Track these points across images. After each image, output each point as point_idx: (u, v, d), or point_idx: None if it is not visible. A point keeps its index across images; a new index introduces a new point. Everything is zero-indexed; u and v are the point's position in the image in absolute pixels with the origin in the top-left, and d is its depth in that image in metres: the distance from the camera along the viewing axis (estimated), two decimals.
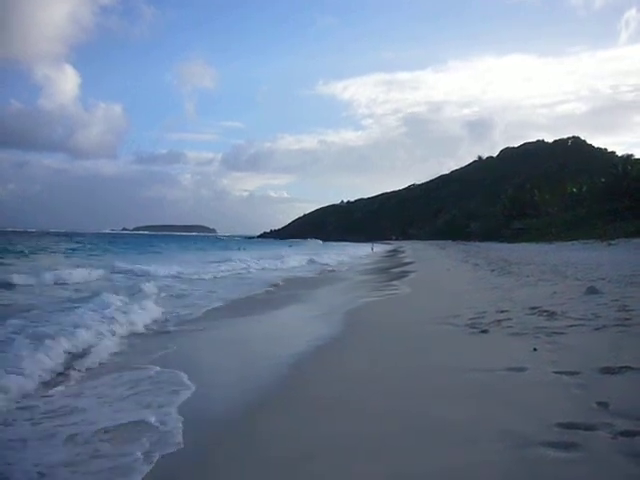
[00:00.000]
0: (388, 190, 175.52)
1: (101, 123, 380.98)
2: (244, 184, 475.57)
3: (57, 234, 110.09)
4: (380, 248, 72.97)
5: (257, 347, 9.78)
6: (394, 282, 20.52)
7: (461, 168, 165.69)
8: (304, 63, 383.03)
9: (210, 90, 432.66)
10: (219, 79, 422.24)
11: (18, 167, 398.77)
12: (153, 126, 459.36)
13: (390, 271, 28.74)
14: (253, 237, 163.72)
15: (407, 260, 40.33)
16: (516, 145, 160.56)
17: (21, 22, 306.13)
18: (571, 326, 8.52)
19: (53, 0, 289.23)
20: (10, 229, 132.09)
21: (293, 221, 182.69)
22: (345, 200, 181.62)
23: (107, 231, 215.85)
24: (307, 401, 6.25)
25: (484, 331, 9.02)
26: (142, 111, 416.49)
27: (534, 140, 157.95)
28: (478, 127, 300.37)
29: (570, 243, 45.75)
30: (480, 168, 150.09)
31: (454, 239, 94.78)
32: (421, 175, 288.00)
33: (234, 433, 5.32)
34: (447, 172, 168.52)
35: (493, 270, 22.70)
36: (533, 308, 10.58)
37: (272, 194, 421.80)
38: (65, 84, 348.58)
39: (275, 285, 21.42)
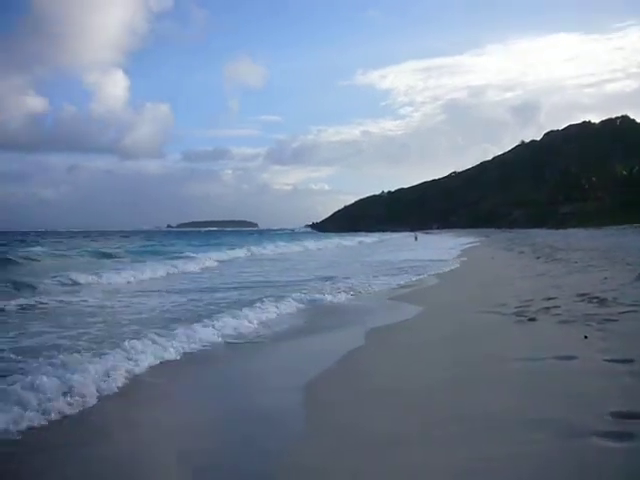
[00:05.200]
0: (429, 179, 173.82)
1: (149, 124, 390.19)
2: (286, 178, 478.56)
3: (111, 233, 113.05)
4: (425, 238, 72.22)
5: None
6: (439, 272, 20.27)
7: (503, 154, 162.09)
8: (342, 54, 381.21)
9: (255, 87, 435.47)
10: (263, 75, 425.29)
11: (70, 170, 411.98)
12: (199, 124, 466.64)
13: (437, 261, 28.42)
14: (295, 230, 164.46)
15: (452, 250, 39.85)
16: (561, 127, 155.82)
17: (77, 32, 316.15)
18: (623, 313, 8.30)
19: (109, 10, 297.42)
20: (62, 230, 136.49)
21: (334, 213, 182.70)
22: (386, 190, 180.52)
23: (152, 228, 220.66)
24: (360, 385, 6.21)
25: (532, 319, 8.87)
26: (189, 110, 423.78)
27: (580, 122, 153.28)
28: (521, 111, 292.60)
29: (620, 227, 44.36)
30: (523, 153, 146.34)
31: (497, 227, 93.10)
32: (462, 162, 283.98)
33: None
34: (489, 158, 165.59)
35: (539, 257, 22.25)
36: (582, 295, 10.34)
37: (313, 187, 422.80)
38: (115, 88, 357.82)
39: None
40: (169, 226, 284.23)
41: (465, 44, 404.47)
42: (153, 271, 21.13)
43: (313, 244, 52.28)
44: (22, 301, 12.74)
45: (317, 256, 36.56)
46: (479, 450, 4.21)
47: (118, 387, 6.12)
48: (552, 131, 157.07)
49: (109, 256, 32.77)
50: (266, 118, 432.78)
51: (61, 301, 13.30)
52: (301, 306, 12.24)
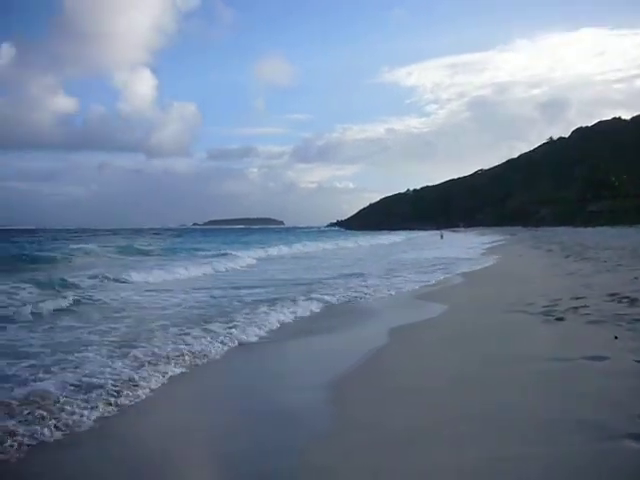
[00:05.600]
0: (454, 177, 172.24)
1: (176, 122, 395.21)
2: (311, 176, 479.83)
3: (141, 230, 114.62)
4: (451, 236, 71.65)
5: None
6: (464, 270, 20.10)
7: (530, 151, 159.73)
8: (368, 52, 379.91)
9: (281, 85, 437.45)
10: (289, 74, 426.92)
11: (100, 168, 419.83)
12: (226, 123, 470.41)
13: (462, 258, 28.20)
14: (320, 228, 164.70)
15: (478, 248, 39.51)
16: (590, 124, 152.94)
17: (107, 33, 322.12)
18: None
19: (138, 11, 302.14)
20: (92, 228, 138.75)
21: (359, 211, 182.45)
22: (411, 188, 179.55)
23: (177, 226, 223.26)
24: (384, 384, 6.22)
25: (560, 319, 8.74)
26: (216, 109, 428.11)
27: (610, 118, 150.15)
28: (548, 107, 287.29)
29: None
30: (551, 150, 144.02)
31: (524, 225, 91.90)
32: (489, 160, 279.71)
33: None
34: (515, 156, 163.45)
35: (568, 256, 21.92)
36: (612, 294, 10.17)
37: (338, 185, 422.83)
38: (143, 87, 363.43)
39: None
40: (195, 224, 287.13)
41: (491, 40, 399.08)
42: (201, 268, 21.92)
43: (343, 242, 52.65)
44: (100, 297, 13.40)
45: (347, 254, 36.85)
46: (505, 450, 4.16)
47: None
48: (581, 128, 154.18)
49: (149, 253, 33.38)
50: (292, 116, 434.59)
51: (138, 297, 13.97)
52: (329, 303, 12.52)
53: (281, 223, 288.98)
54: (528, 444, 4.23)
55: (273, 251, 37.47)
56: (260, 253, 33.96)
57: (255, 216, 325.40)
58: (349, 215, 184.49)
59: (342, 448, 4.51)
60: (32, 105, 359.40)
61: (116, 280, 17.11)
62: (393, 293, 14.35)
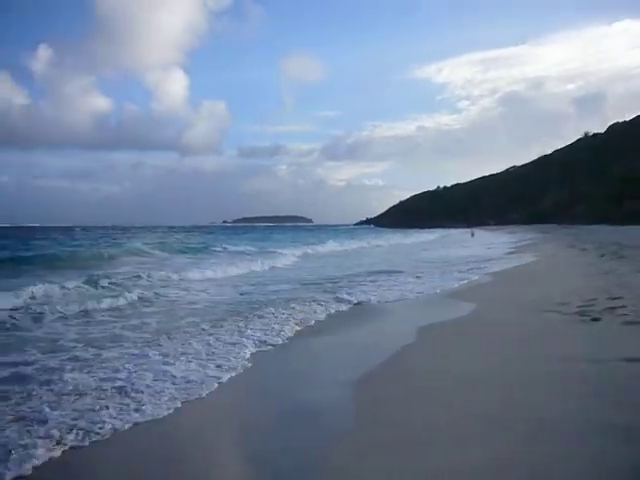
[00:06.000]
0: (486, 174, 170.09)
1: (207, 121, 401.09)
2: (340, 173, 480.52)
3: (175, 228, 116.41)
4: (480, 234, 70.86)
5: None
6: (495, 269, 19.80)
7: (564, 147, 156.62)
8: (398, 48, 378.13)
9: (310, 83, 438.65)
10: (319, 71, 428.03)
11: (134, 167, 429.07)
12: (255, 121, 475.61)
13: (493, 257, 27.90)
14: (349, 226, 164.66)
15: (510, 245, 39.07)
16: (627, 119, 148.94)
17: (140, 34, 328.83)
18: None
19: (170, 12, 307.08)
20: (126, 225, 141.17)
21: (388, 209, 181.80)
22: (441, 186, 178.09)
23: (207, 224, 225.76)
24: (410, 382, 6.14)
25: (595, 319, 8.56)
26: (246, 107, 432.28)
27: None
28: (584, 102, 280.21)
29: None
30: (586, 146, 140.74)
31: (558, 223, 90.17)
32: (521, 157, 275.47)
33: None
34: (549, 152, 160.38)
35: (603, 255, 21.40)
36: None
37: (367, 182, 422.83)
38: (175, 87, 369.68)
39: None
40: (224, 222, 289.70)
41: (524, 35, 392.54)
42: (254, 266, 22.58)
43: (377, 241, 52.53)
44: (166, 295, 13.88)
45: (382, 252, 36.98)
46: (531, 452, 4.10)
47: None
48: (617, 123, 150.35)
49: (196, 251, 33.73)
50: (321, 114, 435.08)
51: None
52: (363, 301, 12.67)
53: (310, 221, 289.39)
54: (558, 445, 4.16)
55: (313, 249, 37.68)
56: (299, 251, 34.14)
57: (284, 214, 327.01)
58: (378, 213, 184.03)
59: (366, 446, 4.51)
60: (69, 105, 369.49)
61: (171, 278, 17.47)
62: (424, 291, 14.29)
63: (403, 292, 14.06)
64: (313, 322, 10.26)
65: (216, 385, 6.22)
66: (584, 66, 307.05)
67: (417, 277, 17.46)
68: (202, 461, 4.45)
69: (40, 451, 4.34)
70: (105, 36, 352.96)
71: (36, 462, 4.20)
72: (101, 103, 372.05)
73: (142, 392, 5.84)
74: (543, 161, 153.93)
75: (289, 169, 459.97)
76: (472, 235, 64.91)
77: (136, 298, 12.78)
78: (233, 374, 6.65)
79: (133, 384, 6.07)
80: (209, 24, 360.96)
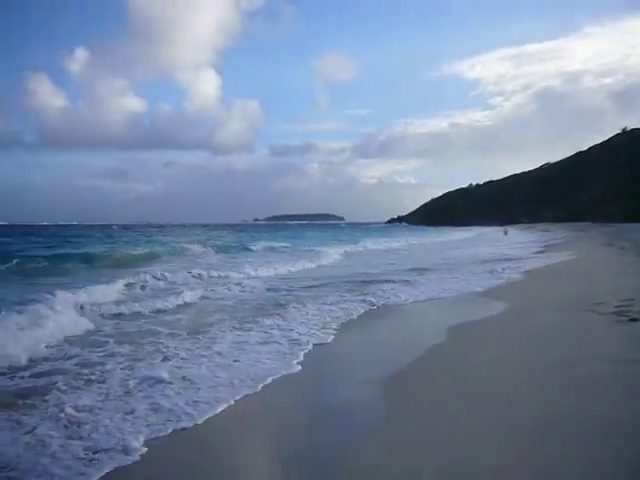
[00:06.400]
0: (519, 171, 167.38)
1: (239, 120, 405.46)
2: (372, 171, 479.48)
3: (208, 226, 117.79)
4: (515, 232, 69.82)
5: None
6: (529, 267, 19.52)
7: (601, 143, 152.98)
8: (429, 44, 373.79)
9: (341, 81, 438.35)
10: (350, 69, 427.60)
11: (166, 166, 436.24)
12: (287, 119, 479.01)
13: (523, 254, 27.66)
14: (381, 224, 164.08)
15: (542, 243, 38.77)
16: None
17: (173, 35, 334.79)
18: None
19: (203, 12, 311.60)
20: (161, 223, 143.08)
21: (420, 207, 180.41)
22: (474, 183, 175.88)
23: (239, 222, 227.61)
24: (440, 381, 6.18)
25: (633, 319, 8.43)
26: (277, 105, 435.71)
27: None
28: (622, 96, 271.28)
29: None
30: (624, 141, 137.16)
31: (594, 221, 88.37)
32: (556, 153, 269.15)
33: None
34: (585, 149, 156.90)
35: None
36: None
37: (399, 180, 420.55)
38: (208, 86, 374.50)
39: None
40: (256, 220, 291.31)
41: (559, 28, 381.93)
42: (303, 264, 22.89)
43: (415, 239, 52.20)
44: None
45: (419, 250, 36.91)
46: (557, 453, 4.12)
47: None
48: None
49: (239, 249, 34.09)
50: (353, 112, 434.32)
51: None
52: (397, 299, 12.79)
53: (341, 219, 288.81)
54: (591, 446, 4.19)
55: (352, 247, 37.66)
56: (340, 249, 34.06)
57: (315, 212, 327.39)
58: (410, 211, 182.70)
59: (396, 444, 4.57)
60: (104, 106, 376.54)
61: (229, 276, 17.72)
62: (457, 290, 14.31)
63: (437, 291, 14.11)
64: (355, 317, 10.52)
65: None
66: (622, 59, 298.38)
67: (450, 275, 17.48)
68: (239, 456, 4.65)
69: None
70: (139, 38, 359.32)
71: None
72: (135, 103, 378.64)
73: (197, 383, 6.25)
74: (578, 157, 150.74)
75: (320, 167, 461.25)
76: (505, 233, 64.21)
77: (200, 296, 13.08)
78: (284, 373, 6.79)
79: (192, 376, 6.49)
80: (242, 24, 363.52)
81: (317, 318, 10.26)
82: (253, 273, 18.77)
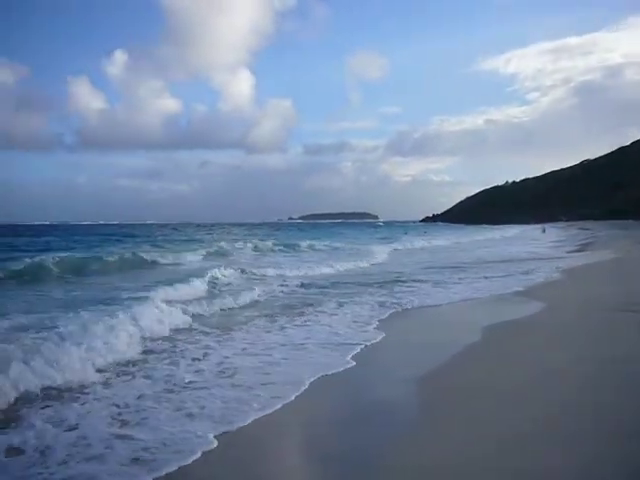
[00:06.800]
0: (557, 168, 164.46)
1: (273, 119, 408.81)
2: (406, 169, 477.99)
3: (244, 225, 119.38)
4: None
5: None
6: (567, 266, 19.25)
7: None
8: (463, 40, 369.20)
9: (375, 78, 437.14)
10: (383, 67, 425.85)
11: (201, 166, 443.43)
12: (320, 118, 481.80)
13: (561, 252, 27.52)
14: (415, 222, 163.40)
15: (580, 240, 38.31)
16: None
17: (208, 36, 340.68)
18: None
19: (237, 14, 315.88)
20: (197, 222, 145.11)
21: (455, 205, 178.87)
22: (510, 180, 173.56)
23: (274, 221, 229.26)
24: (474, 381, 6.27)
25: None
26: (311, 104, 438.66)
27: None
28: None
29: None
30: None
31: (635, 219, 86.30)
32: (596, 149, 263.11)
33: None
34: (627, 144, 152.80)
35: None
36: None
37: (433, 178, 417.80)
38: (242, 86, 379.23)
39: None
40: (290, 218, 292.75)
41: (600, 20, 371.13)
42: (354, 262, 23.24)
43: (454, 237, 52.13)
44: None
45: (457, 248, 37.12)
46: (610, 450, 4.17)
47: None
48: None
49: (288, 248, 34.40)
50: (386, 109, 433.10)
51: None
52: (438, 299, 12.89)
53: (375, 217, 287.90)
54: (620, 447, 4.24)
55: (397, 246, 37.79)
56: (387, 247, 34.31)
57: (349, 210, 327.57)
58: (445, 209, 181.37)
59: (434, 444, 4.66)
60: (142, 108, 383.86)
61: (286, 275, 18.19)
62: (495, 289, 14.30)
63: (482, 290, 14.18)
64: (402, 314, 10.92)
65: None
66: None
67: (487, 274, 17.49)
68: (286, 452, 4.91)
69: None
70: (176, 40, 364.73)
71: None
72: (171, 104, 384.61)
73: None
74: (619, 153, 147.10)
75: (353, 165, 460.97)
76: (543, 231, 63.53)
77: (263, 293, 13.64)
78: (327, 373, 6.89)
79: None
80: (275, 24, 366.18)
81: (365, 316, 10.62)
82: (310, 272, 19.19)
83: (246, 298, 12.71)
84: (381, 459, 4.43)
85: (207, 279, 14.95)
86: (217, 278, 15.62)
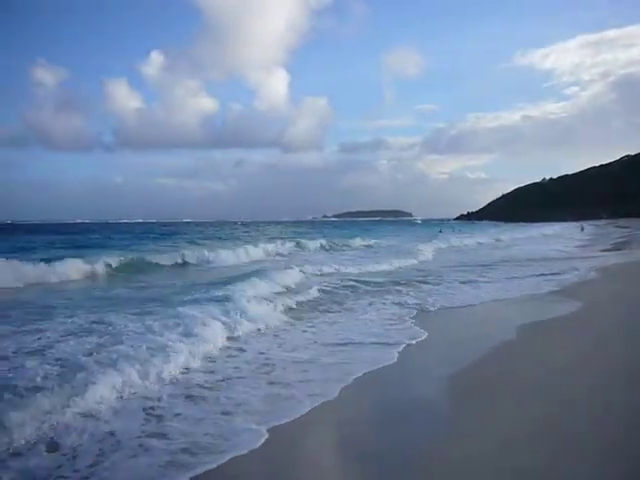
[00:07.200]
0: (597, 164, 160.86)
1: (309, 117, 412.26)
2: (442, 167, 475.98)
3: (280, 223, 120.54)
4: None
5: None
6: (605, 265, 18.99)
7: None
8: (499, 35, 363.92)
9: (410, 76, 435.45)
10: (419, 64, 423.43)
11: (237, 164, 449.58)
12: (356, 116, 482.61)
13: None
14: (450, 220, 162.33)
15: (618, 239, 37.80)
16: None
17: (244, 36, 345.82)
18: None
19: (273, 13, 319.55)
20: (233, 220, 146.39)
21: (491, 202, 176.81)
22: (547, 177, 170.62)
23: (309, 219, 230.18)
24: (505, 380, 6.43)
25: None
26: (346, 102, 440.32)
27: None
28: None
29: None
30: None
31: None
32: (637, 145, 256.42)
33: None
34: None
35: None
36: None
37: (469, 175, 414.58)
38: (278, 85, 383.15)
39: None
40: (325, 216, 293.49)
41: None
42: (403, 260, 23.78)
43: (496, 235, 50.93)
44: None
45: (501, 246, 37.31)
46: (631, 455, 4.24)
47: None
48: None
49: (338, 246, 35.76)
50: (422, 107, 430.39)
51: None
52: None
53: (409, 215, 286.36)
54: None
55: (440, 244, 37.64)
56: (431, 246, 34.00)
57: (383, 208, 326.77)
58: (480, 206, 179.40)
59: (473, 444, 4.71)
60: (178, 107, 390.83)
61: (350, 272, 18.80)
62: (523, 287, 14.39)
63: (513, 289, 14.28)
64: (439, 312, 11.25)
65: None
66: None
67: (525, 273, 17.54)
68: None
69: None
70: (211, 40, 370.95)
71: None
72: (207, 104, 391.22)
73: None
74: None
75: (389, 163, 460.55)
76: (582, 229, 62.95)
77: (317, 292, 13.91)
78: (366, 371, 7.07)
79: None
80: (311, 22, 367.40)
81: (407, 312, 11.11)
82: (369, 269, 19.83)
83: (308, 294, 13.12)
84: (420, 457, 4.56)
85: (274, 277, 15.15)
86: (283, 277, 15.82)
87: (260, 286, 13.31)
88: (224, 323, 9.17)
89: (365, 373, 6.90)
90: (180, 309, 9.72)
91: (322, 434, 5.23)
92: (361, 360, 7.46)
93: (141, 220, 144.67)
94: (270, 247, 29.83)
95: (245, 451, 4.64)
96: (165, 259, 22.54)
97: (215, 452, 4.60)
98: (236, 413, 5.48)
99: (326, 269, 19.04)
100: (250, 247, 28.27)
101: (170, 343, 7.50)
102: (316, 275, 17.57)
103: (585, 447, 4.49)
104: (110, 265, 19.57)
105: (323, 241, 36.18)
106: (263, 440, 4.87)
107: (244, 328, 9.30)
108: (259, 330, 9.47)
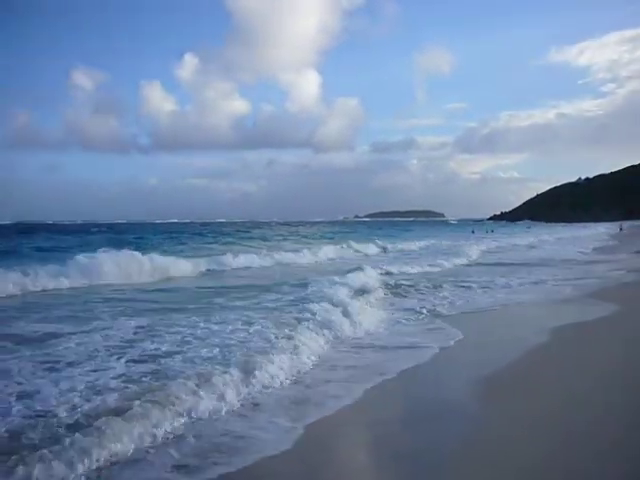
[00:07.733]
0: (635, 162, 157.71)
1: (340, 117, 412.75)
2: (474, 166, 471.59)
3: (314, 223, 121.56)
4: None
5: None
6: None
7: None
8: (533, 31, 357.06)
9: (441, 74, 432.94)
10: (450, 62, 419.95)
11: (268, 165, 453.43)
12: (387, 115, 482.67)
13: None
14: (483, 220, 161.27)
15: None
16: None
17: (275, 37, 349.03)
18: None
19: (305, 14, 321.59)
20: (265, 220, 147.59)
21: (525, 202, 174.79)
22: (583, 177, 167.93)
23: (340, 219, 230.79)
24: (538, 381, 6.44)
25: None
26: (377, 102, 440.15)
27: None
28: None
29: None
30: None
31: None
32: None
33: None
34: None
35: None
36: None
37: (502, 175, 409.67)
38: (309, 86, 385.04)
39: None
40: (356, 216, 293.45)
41: None
42: (453, 260, 24.39)
43: (536, 236, 51.30)
44: None
45: (544, 246, 37.64)
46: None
47: None
48: None
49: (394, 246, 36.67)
50: (454, 106, 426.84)
51: None
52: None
53: (441, 215, 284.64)
54: None
55: (484, 245, 37.33)
56: (477, 247, 33.84)
57: (414, 208, 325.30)
58: (514, 206, 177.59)
59: (493, 441, 4.79)
60: (211, 109, 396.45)
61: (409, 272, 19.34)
62: (557, 288, 14.39)
63: (550, 290, 14.28)
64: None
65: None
66: None
67: (565, 275, 17.51)
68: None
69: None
70: (243, 42, 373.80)
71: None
72: (239, 105, 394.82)
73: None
74: None
75: (420, 163, 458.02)
76: (620, 229, 62.59)
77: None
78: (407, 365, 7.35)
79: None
80: (342, 23, 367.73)
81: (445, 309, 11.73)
82: (426, 268, 20.49)
83: (379, 293, 13.56)
84: (452, 457, 4.55)
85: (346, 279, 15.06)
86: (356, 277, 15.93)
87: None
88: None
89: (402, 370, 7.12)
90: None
91: (353, 431, 5.43)
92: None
93: (176, 220, 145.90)
94: (331, 249, 30.93)
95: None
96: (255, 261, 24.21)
97: None
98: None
99: (393, 269, 19.48)
100: (330, 247, 30.94)
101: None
102: (381, 274, 17.75)
103: (628, 452, 4.46)
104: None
105: (379, 242, 36.99)
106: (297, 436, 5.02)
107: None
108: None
